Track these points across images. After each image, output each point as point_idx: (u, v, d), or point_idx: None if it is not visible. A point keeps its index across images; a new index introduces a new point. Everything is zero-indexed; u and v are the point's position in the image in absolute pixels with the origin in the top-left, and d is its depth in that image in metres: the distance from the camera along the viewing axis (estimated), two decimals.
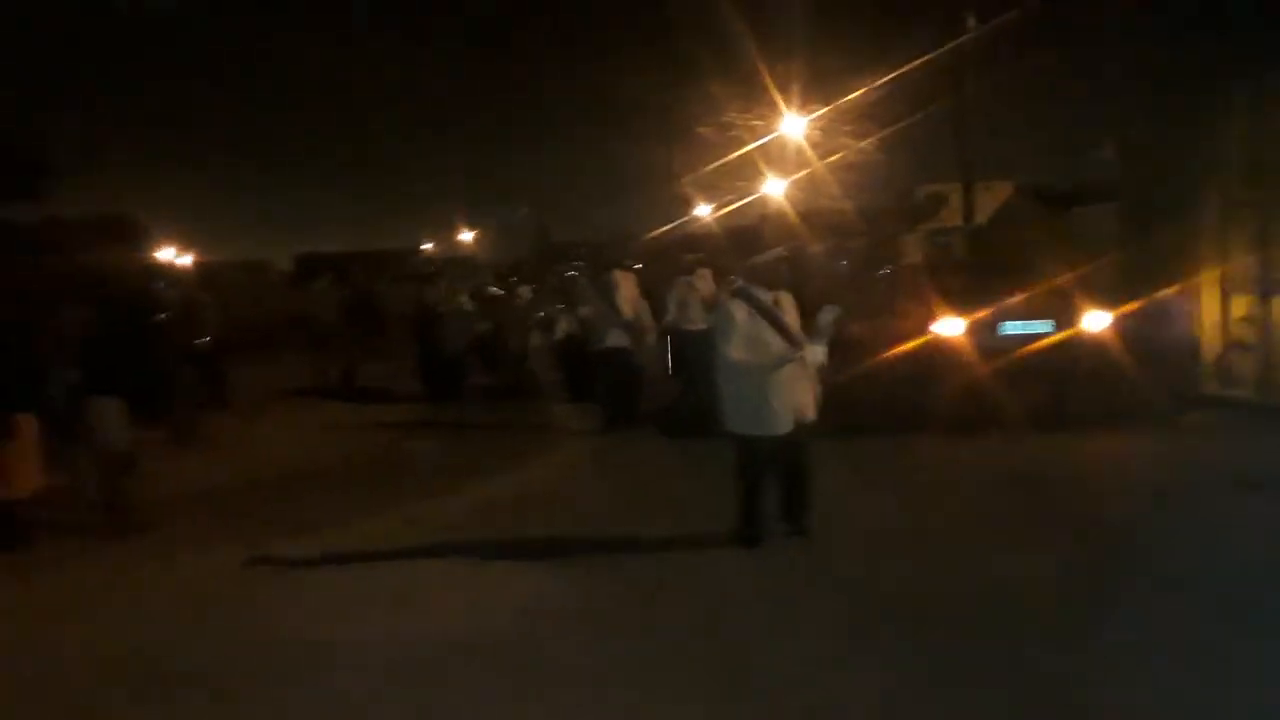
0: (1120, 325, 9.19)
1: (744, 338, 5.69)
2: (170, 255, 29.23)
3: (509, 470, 8.71)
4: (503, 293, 15.77)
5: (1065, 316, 9.20)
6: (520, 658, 4.50)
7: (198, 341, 11.84)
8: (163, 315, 12.21)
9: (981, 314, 9.18)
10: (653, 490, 7.70)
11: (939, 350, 9.08)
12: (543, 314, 14.52)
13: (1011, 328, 9.27)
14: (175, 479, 8.68)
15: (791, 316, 5.89)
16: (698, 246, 13.63)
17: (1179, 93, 10.98)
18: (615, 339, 10.37)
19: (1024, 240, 15.70)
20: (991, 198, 21.88)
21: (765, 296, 5.80)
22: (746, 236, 24.32)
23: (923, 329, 9.19)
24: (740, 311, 5.76)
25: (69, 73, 43.64)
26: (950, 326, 9.16)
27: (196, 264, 30.10)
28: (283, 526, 7.05)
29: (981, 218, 19.33)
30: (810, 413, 5.86)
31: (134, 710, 4.23)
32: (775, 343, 5.68)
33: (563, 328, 12.90)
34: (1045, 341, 9.06)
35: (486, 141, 76.44)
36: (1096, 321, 9.17)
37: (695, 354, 11.40)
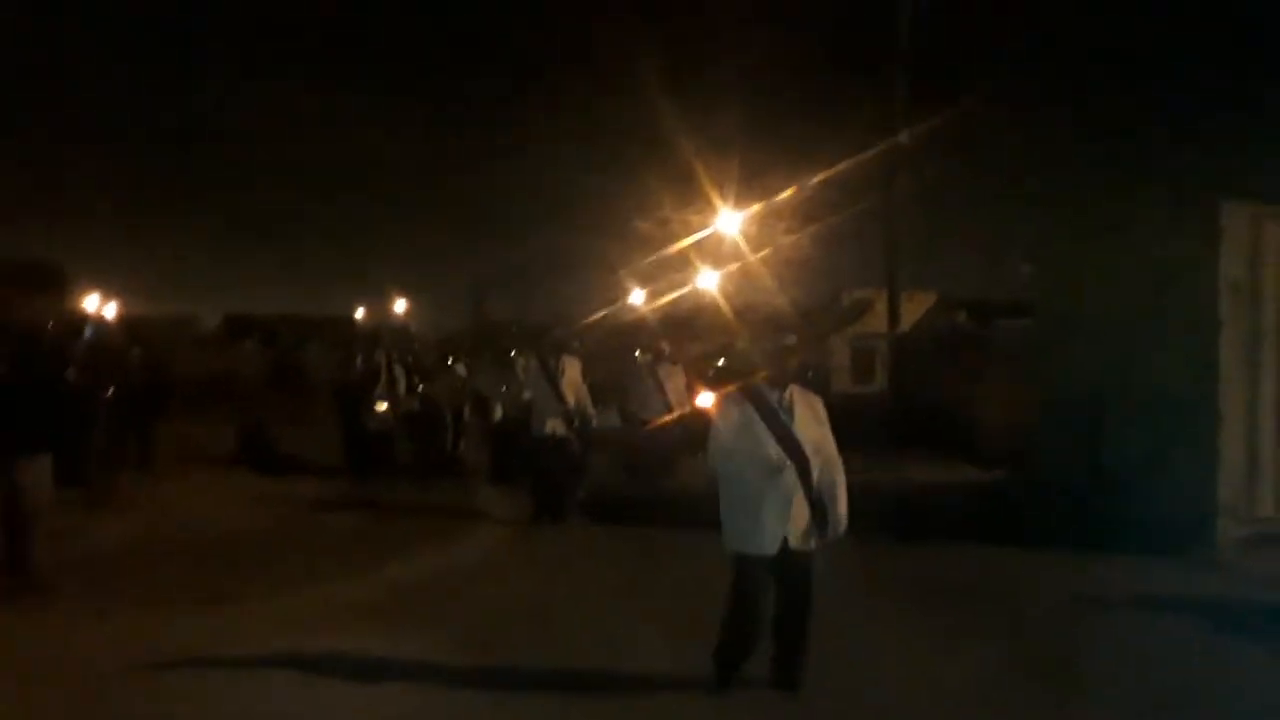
0: None
1: (732, 440, 4.98)
2: (94, 305, 28.48)
3: (429, 555, 8.51)
4: (436, 367, 15.67)
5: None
6: None
7: (106, 394, 11.39)
8: (70, 369, 11.85)
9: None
10: (585, 588, 7.50)
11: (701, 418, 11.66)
12: (478, 392, 14.47)
13: None
14: (84, 540, 8.45)
15: (814, 419, 5.06)
16: (641, 334, 13.94)
17: (1088, 215, 11.38)
18: (556, 426, 9.91)
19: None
20: (915, 306, 22.80)
21: (773, 396, 5.02)
22: (680, 326, 24.85)
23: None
24: (734, 411, 5.04)
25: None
26: (705, 400, 12.41)
27: (121, 316, 29.32)
28: (189, 599, 6.91)
29: (906, 324, 20.12)
30: (809, 541, 4.94)
31: None
32: (771, 450, 4.89)
33: (500, 409, 12.83)
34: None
35: (426, 214, 76.62)
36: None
37: (654, 445, 11.66)
